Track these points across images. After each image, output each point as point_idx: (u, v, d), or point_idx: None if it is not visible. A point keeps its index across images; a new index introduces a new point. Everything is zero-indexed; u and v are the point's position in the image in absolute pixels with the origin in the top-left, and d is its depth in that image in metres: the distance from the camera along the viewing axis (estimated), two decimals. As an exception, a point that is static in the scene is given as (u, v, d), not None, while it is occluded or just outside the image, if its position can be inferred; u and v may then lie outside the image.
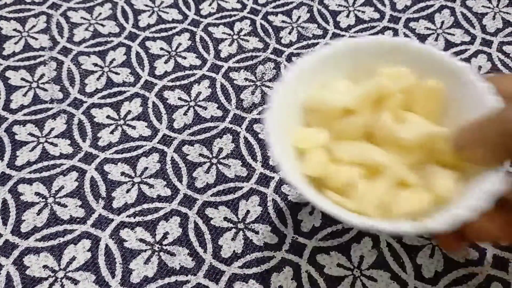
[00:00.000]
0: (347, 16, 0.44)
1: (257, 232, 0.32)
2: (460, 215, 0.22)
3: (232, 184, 0.34)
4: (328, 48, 0.28)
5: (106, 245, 0.32)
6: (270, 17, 0.43)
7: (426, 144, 0.25)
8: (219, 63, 0.40)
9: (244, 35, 0.42)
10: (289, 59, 0.41)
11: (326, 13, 0.44)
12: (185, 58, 0.41)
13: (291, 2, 0.44)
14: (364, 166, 0.25)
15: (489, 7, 0.44)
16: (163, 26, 0.43)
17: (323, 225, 0.33)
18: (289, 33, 0.42)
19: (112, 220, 0.33)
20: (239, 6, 0.44)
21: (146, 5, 0.44)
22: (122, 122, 0.37)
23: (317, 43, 0.42)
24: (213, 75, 0.40)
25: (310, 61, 0.27)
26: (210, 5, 0.44)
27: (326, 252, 0.32)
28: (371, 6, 0.44)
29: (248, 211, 0.33)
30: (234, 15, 0.44)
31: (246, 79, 0.39)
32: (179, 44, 0.42)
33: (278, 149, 0.25)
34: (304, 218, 0.33)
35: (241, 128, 0.37)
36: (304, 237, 0.32)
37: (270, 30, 0.43)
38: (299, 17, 0.43)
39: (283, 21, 0.43)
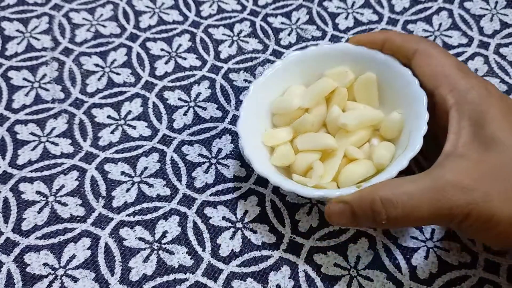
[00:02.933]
0: (346, 18, 0.44)
1: (255, 232, 0.33)
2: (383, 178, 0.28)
3: (231, 184, 0.35)
4: (282, 62, 0.34)
5: (106, 244, 0.32)
6: (270, 19, 0.44)
7: (365, 125, 0.32)
8: (219, 64, 0.41)
9: (244, 36, 0.43)
10: (288, 60, 0.41)
11: (325, 15, 0.44)
12: (185, 59, 0.41)
13: (291, 4, 0.45)
14: (320, 151, 0.32)
15: (486, 9, 0.44)
16: (163, 27, 0.43)
17: (320, 226, 0.33)
18: (289, 34, 0.43)
19: (112, 219, 0.33)
20: (239, 7, 0.44)
21: (147, 6, 0.44)
22: (122, 122, 0.38)
23: (316, 45, 0.42)
24: (213, 76, 0.40)
25: (268, 74, 0.34)
26: (210, 6, 0.45)
27: (323, 252, 0.32)
28: (370, 8, 0.45)
29: (246, 211, 0.34)
30: (234, 17, 0.44)
31: (245, 80, 0.40)
32: (180, 45, 0.42)
33: (248, 149, 0.31)
34: (302, 218, 0.33)
35: (240, 129, 0.37)
36: (302, 237, 0.33)
37: (270, 32, 0.43)
38: (299, 18, 0.44)
39: (282, 23, 0.44)
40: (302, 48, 0.42)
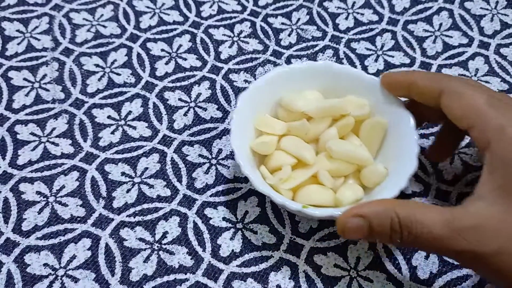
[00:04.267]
0: (346, 18, 0.44)
1: (255, 232, 0.33)
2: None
3: (231, 185, 0.35)
4: (302, 65, 0.35)
5: (106, 244, 0.32)
6: (270, 19, 0.44)
7: (349, 161, 0.32)
8: (219, 64, 0.41)
9: (244, 37, 0.43)
10: (288, 61, 0.41)
11: (325, 15, 0.44)
12: (185, 59, 0.41)
13: (291, 4, 0.45)
14: (296, 159, 0.32)
15: (487, 9, 0.44)
16: (164, 27, 0.43)
17: (320, 226, 0.33)
18: (289, 35, 0.43)
19: (112, 219, 0.33)
20: (239, 8, 0.44)
21: (148, 7, 0.44)
22: (122, 122, 0.38)
23: (316, 45, 0.42)
24: (213, 76, 0.40)
25: (286, 71, 0.34)
26: (210, 7, 0.45)
27: (323, 252, 0.32)
28: (370, 8, 0.45)
29: (246, 212, 0.34)
30: (234, 17, 0.44)
31: (245, 81, 0.40)
32: (180, 45, 0.42)
33: (237, 125, 0.31)
34: (302, 219, 0.33)
35: (240, 129, 0.37)
36: (302, 237, 0.33)
37: (270, 32, 0.43)
38: (299, 19, 0.44)
39: (282, 23, 0.44)
40: (303, 48, 0.42)
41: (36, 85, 0.39)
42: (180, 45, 0.42)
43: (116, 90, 0.39)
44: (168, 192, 0.34)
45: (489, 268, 0.24)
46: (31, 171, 0.35)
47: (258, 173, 0.31)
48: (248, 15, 0.44)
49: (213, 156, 0.36)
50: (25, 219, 0.33)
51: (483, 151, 0.26)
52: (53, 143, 0.36)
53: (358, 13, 0.44)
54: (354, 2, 0.45)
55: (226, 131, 0.37)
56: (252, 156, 0.33)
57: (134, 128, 0.37)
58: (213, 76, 0.40)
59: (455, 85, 0.28)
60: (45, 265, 0.31)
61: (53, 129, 0.37)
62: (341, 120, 0.33)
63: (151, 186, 0.34)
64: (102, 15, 0.44)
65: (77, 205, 0.34)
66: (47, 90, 0.39)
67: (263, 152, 0.33)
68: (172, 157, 0.36)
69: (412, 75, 0.31)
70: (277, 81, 0.34)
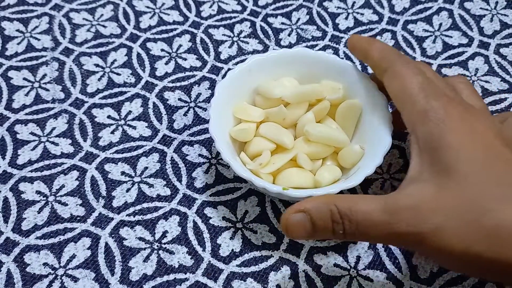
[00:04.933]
0: (346, 18, 0.44)
1: (255, 232, 0.33)
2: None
3: (231, 184, 0.35)
4: (278, 52, 0.36)
5: (106, 243, 0.32)
6: (270, 19, 0.44)
7: (326, 143, 0.32)
8: (219, 64, 0.41)
9: (244, 37, 0.43)
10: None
11: (325, 15, 0.44)
12: (185, 59, 0.41)
13: (291, 4, 0.45)
14: (275, 144, 0.32)
15: (486, 9, 0.44)
16: (164, 27, 0.43)
17: (320, 225, 0.33)
18: (289, 34, 0.43)
19: (112, 218, 0.33)
20: (239, 8, 0.45)
21: (147, 7, 0.44)
22: (122, 122, 0.38)
23: (316, 45, 0.42)
24: (213, 76, 0.40)
25: (262, 59, 0.35)
26: (210, 7, 0.45)
27: (323, 252, 0.32)
28: (370, 8, 0.45)
29: (246, 211, 0.34)
30: (234, 17, 0.44)
31: (245, 80, 0.40)
32: (180, 45, 0.42)
33: (215, 113, 0.32)
34: (302, 218, 0.33)
35: (240, 129, 0.37)
36: (302, 236, 0.32)
37: (270, 32, 0.43)
38: (299, 19, 0.44)
39: (282, 23, 0.44)
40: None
41: (36, 85, 0.39)
42: (180, 45, 0.42)
43: (116, 90, 0.39)
44: (168, 192, 0.34)
45: (430, 247, 0.24)
46: (31, 171, 0.35)
47: (238, 160, 0.32)
48: (248, 15, 0.44)
49: (213, 156, 0.36)
50: (25, 218, 0.33)
51: (410, 135, 0.27)
52: (53, 142, 0.36)
53: (358, 13, 0.44)
54: (354, 2, 0.45)
55: (226, 131, 0.37)
56: (232, 143, 0.33)
57: (134, 128, 0.37)
58: (213, 76, 0.40)
59: (397, 65, 0.29)
60: (45, 264, 0.31)
61: (53, 128, 0.37)
62: (317, 105, 0.34)
63: (151, 186, 0.34)
64: (102, 15, 0.44)
65: (76, 205, 0.34)
66: (47, 90, 0.39)
67: (243, 139, 0.33)
68: (172, 157, 0.36)
69: (372, 45, 0.32)
70: (254, 69, 0.35)
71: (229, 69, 0.40)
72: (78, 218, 0.33)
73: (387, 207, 0.25)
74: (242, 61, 0.41)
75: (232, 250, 0.32)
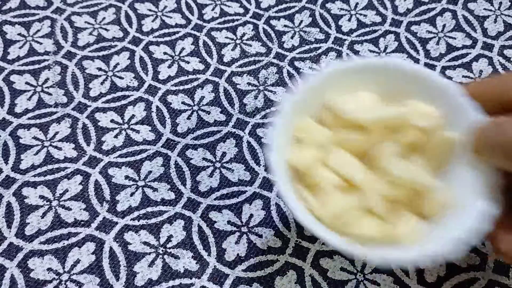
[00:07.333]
0: (349, 20, 0.44)
1: (260, 236, 0.32)
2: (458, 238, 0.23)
3: (235, 188, 0.34)
4: (353, 63, 0.28)
5: (111, 248, 0.32)
6: (273, 22, 0.44)
7: (412, 188, 0.25)
8: (222, 67, 0.41)
9: (247, 39, 0.43)
10: (291, 63, 0.41)
11: (328, 17, 0.44)
12: (188, 62, 0.41)
13: (293, 7, 0.45)
14: (345, 180, 0.25)
15: (490, 10, 0.44)
16: (166, 30, 0.43)
17: (326, 229, 0.33)
18: (292, 37, 0.43)
19: (116, 223, 0.33)
20: (241, 10, 0.44)
21: (150, 10, 0.44)
22: (126, 126, 0.37)
23: (319, 47, 0.42)
24: (216, 79, 0.40)
25: (338, 69, 0.27)
26: (213, 9, 0.44)
27: (329, 256, 0.32)
28: (373, 9, 0.44)
29: (251, 215, 0.33)
30: (237, 20, 0.44)
31: (249, 84, 0.40)
32: (183, 48, 0.42)
33: (278, 131, 0.25)
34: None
35: (244, 133, 0.37)
36: (308, 241, 0.32)
37: (273, 35, 0.43)
38: (301, 21, 0.44)
39: (285, 26, 0.43)
40: (306, 51, 0.42)
41: (39, 89, 0.39)
42: (183, 48, 0.42)
43: (119, 93, 0.39)
44: (172, 196, 0.34)
45: None
46: (34, 175, 0.35)
47: (294, 191, 0.25)
48: (250, 17, 0.44)
49: (217, 159, 0.36)
50: (28, 223, 0.33)
51: None
52: (56, 147, 0.36)
53: (361, 14, 0.44)
54: (357, 3, 0.45)
55: (229, 134, 0.37)
56: (288, 168, 0.27)
57: (138, 132, 0.37)
58: (216, 79, 0.40)
59: None
60: (49, 269, 0.31)
61: (56, 133, 0.37)
62: (402, 133, 0.26)
63: (155, 190, 0.34)
64: (104, 18, 0.43)
65: (80, 209, 0.33)
66: (50, 94, 0.39)
67: (301, 167, 0.26)
68: (176, 161, 0.36)
69: (506, 80, 0.24)
70: (331, 79, 0.27)
71: (232, 72, 0.40)
72: (82, 222, 0.33)
73: None
74: (245, 64, 0.41)
75: (238, 254, 0.32)
